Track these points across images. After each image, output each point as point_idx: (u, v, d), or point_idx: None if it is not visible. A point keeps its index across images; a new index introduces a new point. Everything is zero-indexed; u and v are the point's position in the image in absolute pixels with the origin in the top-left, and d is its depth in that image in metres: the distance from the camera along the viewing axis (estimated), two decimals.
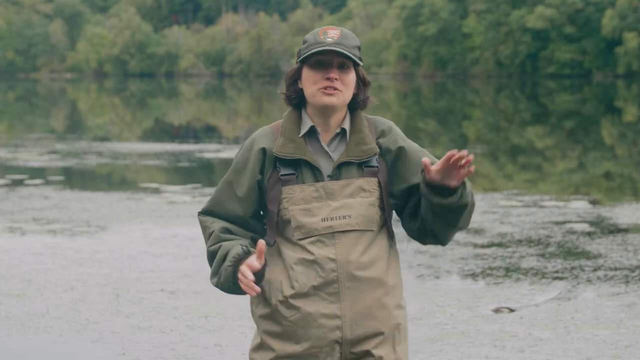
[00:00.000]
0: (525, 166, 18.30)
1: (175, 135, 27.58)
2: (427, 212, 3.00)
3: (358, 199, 2.99)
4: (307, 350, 2.99)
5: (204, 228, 3.10)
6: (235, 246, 2.97)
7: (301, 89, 3.04)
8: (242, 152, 3.08)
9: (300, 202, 2.98)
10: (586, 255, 8.99)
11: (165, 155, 19.71)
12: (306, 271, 2.98)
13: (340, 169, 3.00)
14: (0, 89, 72.99)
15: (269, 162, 3.01)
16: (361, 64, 3.03)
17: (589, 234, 10.09)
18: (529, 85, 66.81)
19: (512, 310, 6.99)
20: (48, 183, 14.77)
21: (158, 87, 79.43)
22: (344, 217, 2.97)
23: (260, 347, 3.07)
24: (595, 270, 8.31)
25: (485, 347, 6.08)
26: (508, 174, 17.14)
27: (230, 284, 2.98)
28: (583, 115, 34.86)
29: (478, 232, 10.20)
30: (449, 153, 2.87)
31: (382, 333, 3.02)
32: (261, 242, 2.89)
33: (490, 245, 9.50)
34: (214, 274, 3.02)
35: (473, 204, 3.02)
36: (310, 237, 2.98)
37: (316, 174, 3.00)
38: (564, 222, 10.79)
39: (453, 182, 2.92)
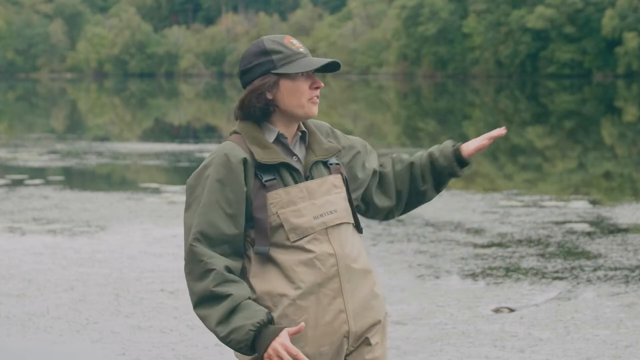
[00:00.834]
0: (525, 166, 18.30)
1: (175, 135, 27.59)
2: (425, 185, 3.27)
3: (334, 195, 3.07)
4: (317, 350, 3.00)
5: (199, 262, 2.93)
6: (252, 305, 2.90)
7: (271, 100, 3.04)
8: (216, 169, 2.97)
9: (288, 205, 3.00)
10: (586, 255, 8.99)
11: (165, 155, 19.71)
12: (309, 270, 2.99)
13: (311, 169, 3.06)
14: (0, 89, 73.00)
15: (250, 172, 3.01)
16: None
17: (589, 234, 10.09)
18: (529, 85, 66.79)
19: (512, 310, 6.99)
20: (48, 183, 14.77)
21: (158, 87, 79.45)
22: (331, 212, 3.04)
23: None
24: (595, 270, 8.31)
25: (485, 347, 6.08)
26: (508, 174, 17.15)
27: (243, 347, 2.89)
28: (583, 115, 34.85)
29: (478, 232, 10.21)
30: (495, 132, 3.21)
31: (379, 322, 3.10)
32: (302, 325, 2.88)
33: (490, 245, 9.50)
34: (221, 322, 2.89)
35: None
36: (306, 236, 3.00)
37: (295, 176, 3.03)
38: (564, 222, 10.79)
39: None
